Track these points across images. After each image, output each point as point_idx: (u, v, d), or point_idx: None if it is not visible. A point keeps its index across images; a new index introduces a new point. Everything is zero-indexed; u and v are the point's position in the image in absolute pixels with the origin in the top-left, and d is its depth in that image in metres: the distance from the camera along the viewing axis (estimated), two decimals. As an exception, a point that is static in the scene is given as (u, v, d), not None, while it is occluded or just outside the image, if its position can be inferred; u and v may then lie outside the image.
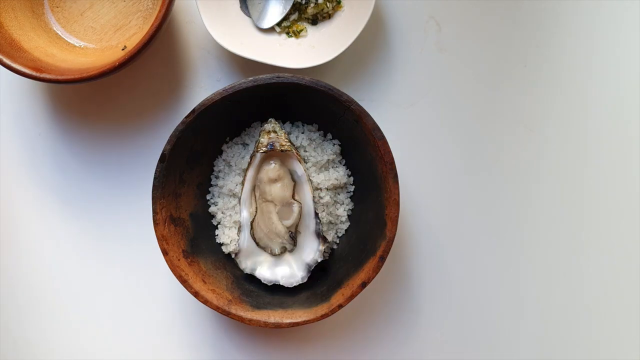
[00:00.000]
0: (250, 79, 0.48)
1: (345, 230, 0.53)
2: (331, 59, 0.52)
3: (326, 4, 0.54)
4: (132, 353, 0.56)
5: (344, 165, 0.53)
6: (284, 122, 0.53)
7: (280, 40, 0.55)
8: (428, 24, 0.56)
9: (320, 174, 0.51)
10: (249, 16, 0.55)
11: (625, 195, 0.56)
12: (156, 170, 0.48)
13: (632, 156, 0.56)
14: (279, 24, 0.55)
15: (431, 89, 0.56)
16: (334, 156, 0.52)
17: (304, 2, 0.54)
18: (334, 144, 0.52)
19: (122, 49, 0.54)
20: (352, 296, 0.47)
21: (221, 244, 0.53)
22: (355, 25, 0.52)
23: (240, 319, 0.48)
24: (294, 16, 0.55)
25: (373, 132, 0.48)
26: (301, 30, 0.55)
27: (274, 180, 0.50)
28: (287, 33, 0.55)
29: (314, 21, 0.55)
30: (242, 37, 0.54)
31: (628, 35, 0.56)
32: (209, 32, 0.52)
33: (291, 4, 0.54)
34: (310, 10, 0.54)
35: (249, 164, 0.50)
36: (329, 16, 0.55)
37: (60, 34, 0.55)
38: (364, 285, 0.47)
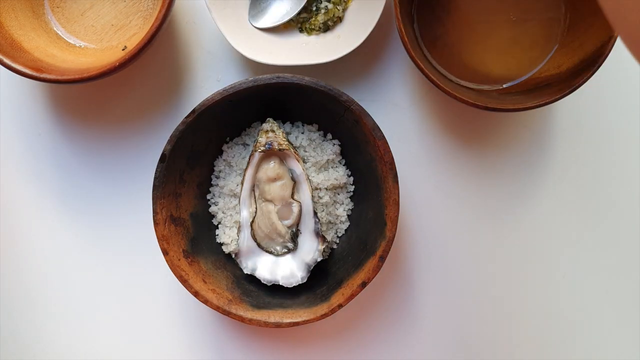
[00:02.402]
0: (250, 79, 0.48)
1: (345, 230, 0.53)
2: (331, 59, 0.52)
3: (336, 8, 0.53)
4: (132, 353, 0.56)
5: (343, 165, 0.53)
6: (284, 122, 0.53)
7: (282, 40, 0.54)
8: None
9: (320, 174, 0.51)
10: (253, 16, 0.55)
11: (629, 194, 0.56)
12: (156, 170, 0.48)
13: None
14: (285, 24, 0.54)
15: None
16: (334, 156, 0.52)
17: (314, 8, 0.53)
18: (334, 144, 0.52)
19: (123, 49, 0.54)
20: (352, 296, 0.47)
21: (221, 244, 0.53)
22: (361, 28, 0.52)
23: (240, 319, 0.48)
24: (303, 15, 0.54)
25: (373, 132, 0.48)
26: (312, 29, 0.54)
27: (273, 179, 0.50)
28: (300, 29, 0.54)
29: (325, 29, 0.54)
30: (250, 38, 0.53)
31: None
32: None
33: (299, 7, 0.53)
34: (321, 17, 0.53)
35: (248, 163, 0.50)
36: (339, 20, 0.54)
37: (60, 34, 0.55)
38: (364, 285, 0.47)
